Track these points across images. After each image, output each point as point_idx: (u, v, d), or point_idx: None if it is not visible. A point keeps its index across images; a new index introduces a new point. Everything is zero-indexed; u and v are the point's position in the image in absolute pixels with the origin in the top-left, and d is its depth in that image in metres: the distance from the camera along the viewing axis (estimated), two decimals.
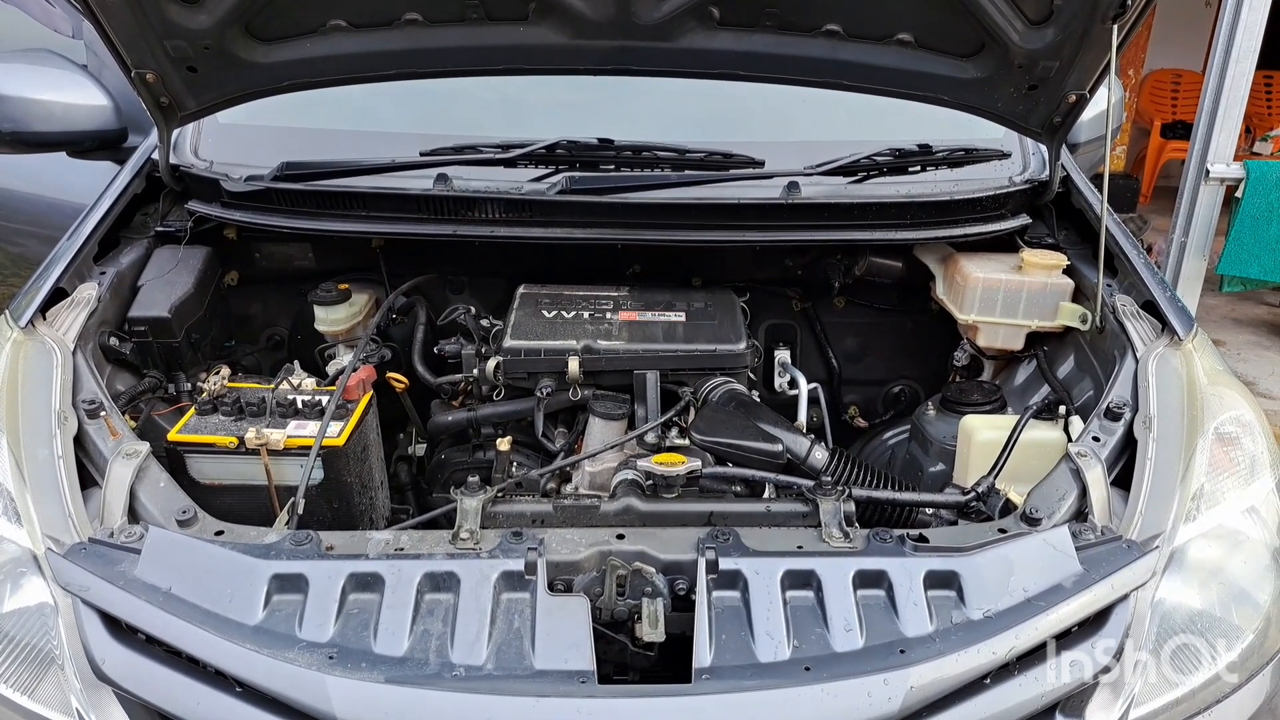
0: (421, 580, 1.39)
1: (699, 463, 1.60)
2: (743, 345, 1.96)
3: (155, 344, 2.02)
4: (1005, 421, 1.85)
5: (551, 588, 1.39)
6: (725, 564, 1.40)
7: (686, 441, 1.83)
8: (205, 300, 2.14)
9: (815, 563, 1.40)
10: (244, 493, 1.77)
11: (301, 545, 1.44)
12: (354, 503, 1.81)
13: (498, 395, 2.01)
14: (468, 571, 1.40)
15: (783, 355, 2.29)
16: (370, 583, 1.39)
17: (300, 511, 1.62)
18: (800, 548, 1.45)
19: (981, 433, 1.85)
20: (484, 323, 2.17)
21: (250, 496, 1.77)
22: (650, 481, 1.64)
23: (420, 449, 2.27)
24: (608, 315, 2.04)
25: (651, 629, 1.36)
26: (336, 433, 1.76)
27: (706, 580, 1.38)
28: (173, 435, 1.75)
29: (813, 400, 2.18)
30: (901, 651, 1.28)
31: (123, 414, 1.85)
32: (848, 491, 1.55)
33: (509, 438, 1.95)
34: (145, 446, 1.63)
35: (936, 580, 1.38)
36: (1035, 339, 2.16)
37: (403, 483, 2.32)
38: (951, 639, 1.30)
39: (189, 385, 2.07)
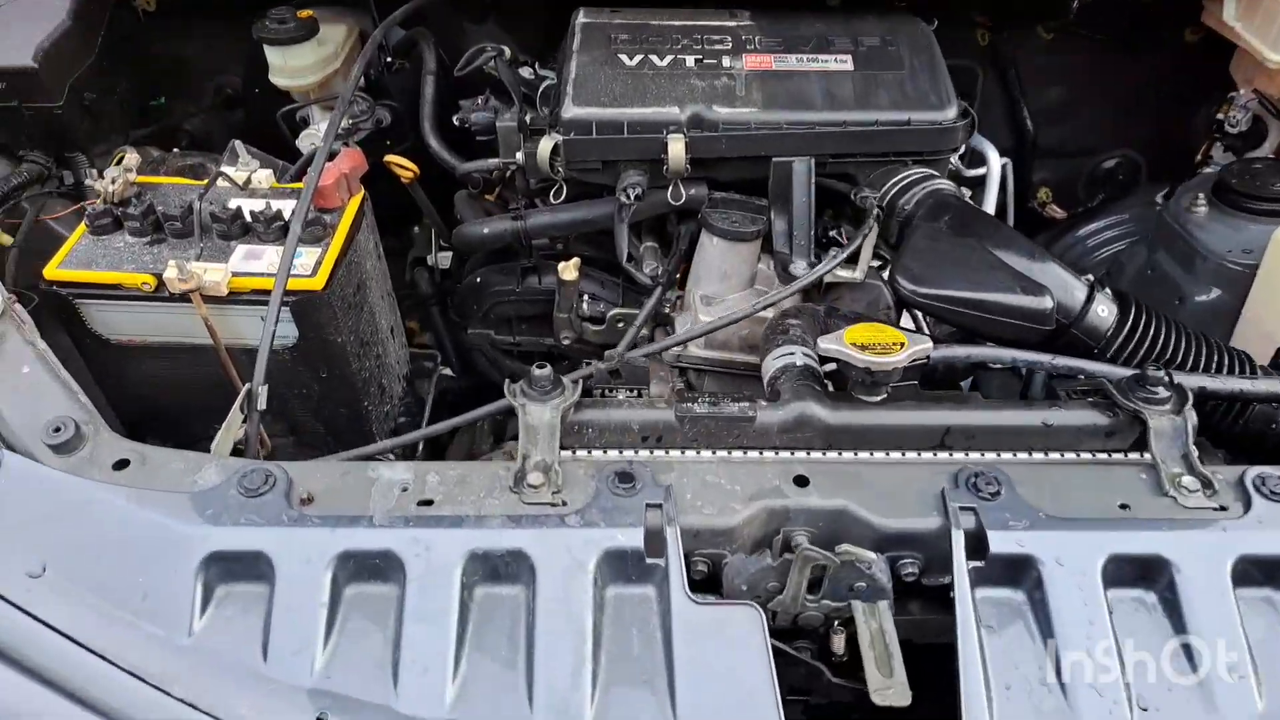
0: (468, 565, 0.80)
1: (928, 344, 0.94)
2: (953, 111, 1.23)
3: (25, 111, 1.31)
4: None
5: (692, 583, 0.80)
6: (1000, 541, 0.79)
7: (852, 275, 1.17)
8: (98, 38, 1.39)
9: (1162, 540, 0.80)
10: (178, 356, 1.16)
11: (257, 494, 0.84)
12: (350, 370, 1.19)
13: (556, 193, 1.31)
14: (547, 550, 0.81)
15: None
16: (380, 570, 0.81)
17: (261, 407, 1.00)
18: (1125, 508, 0.83)
19: None
20: (524, 72, 1.43)
21: (190, 361, 1.16)
22: (833, 369, 0.99)
23: (445, 259, 1.61)
24: (725, 61, 1.29)
25: (875, 656, 0.78)
26: (311, 267, 1.10)
27: (968, 571, 0.78)
28: (50, 271, 1.10)
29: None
30: None
31: None
32: (1188, 395, 0.90)
33: (575, 260, 1.29)
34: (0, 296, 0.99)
35: None
36: None
37: (424, 295, 1.69)
38: None
39: (96, 172, 1.40)
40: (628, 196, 1.22)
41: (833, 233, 1.30)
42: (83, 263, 1.10)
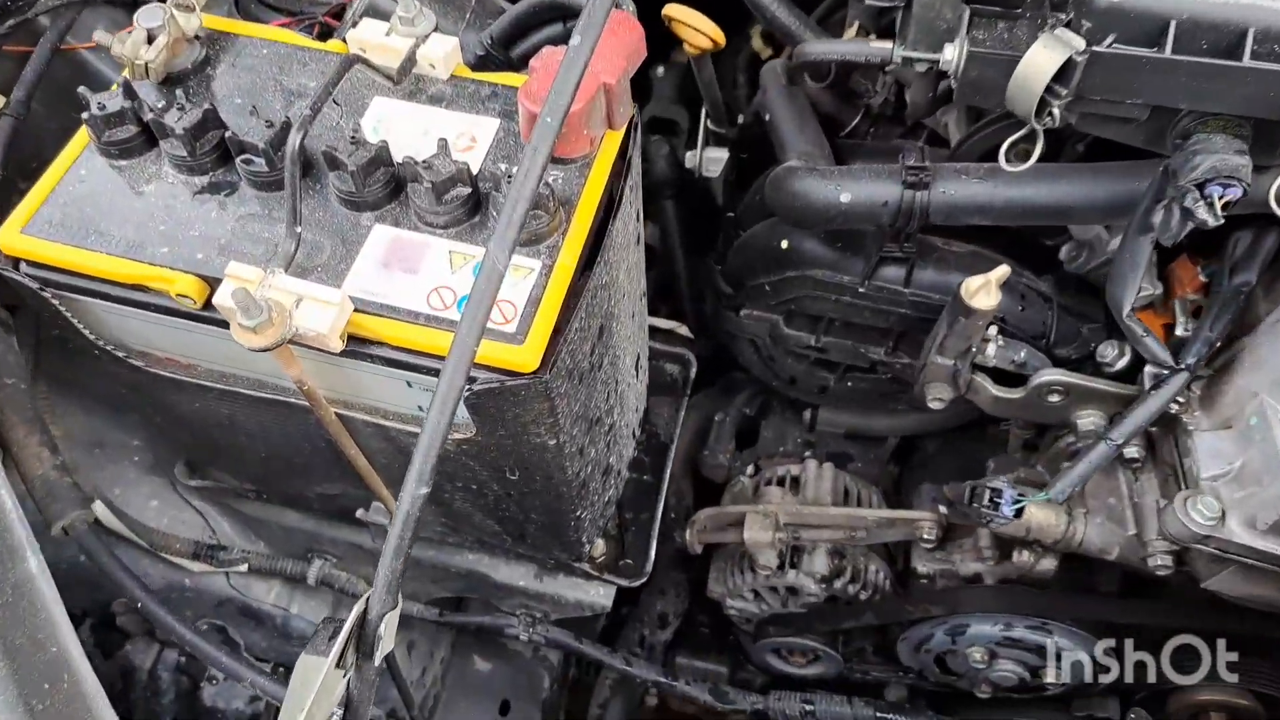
0: None
1: None
2: None
3: None
4: None
5: None
6: None
7: None
8: None
9: None
10: (257, 406, 0.61)
11: None
12: (561, 478, 0.62)
13: (1014, 146, 0.62)
14: None
15: None
16: None
17: (389, 647, 0.45)
18: None
19: None
20: None
21: (280, 414, 0.61)
22: None
23: (715, 161, 0.95)
24: None
25: None
26: (516, 319, 0.50)
27: None
28: (6, 237, 0.54)
29: None
30: None
31: None
32: None
33: (1002, 272, 0.64)
34: None
35: None
36: None
37: (659, 179, 1.04)
38: None
39: None
40: (1208, 202, 0.54)
41: None
42: (71, 227, 0.54)
